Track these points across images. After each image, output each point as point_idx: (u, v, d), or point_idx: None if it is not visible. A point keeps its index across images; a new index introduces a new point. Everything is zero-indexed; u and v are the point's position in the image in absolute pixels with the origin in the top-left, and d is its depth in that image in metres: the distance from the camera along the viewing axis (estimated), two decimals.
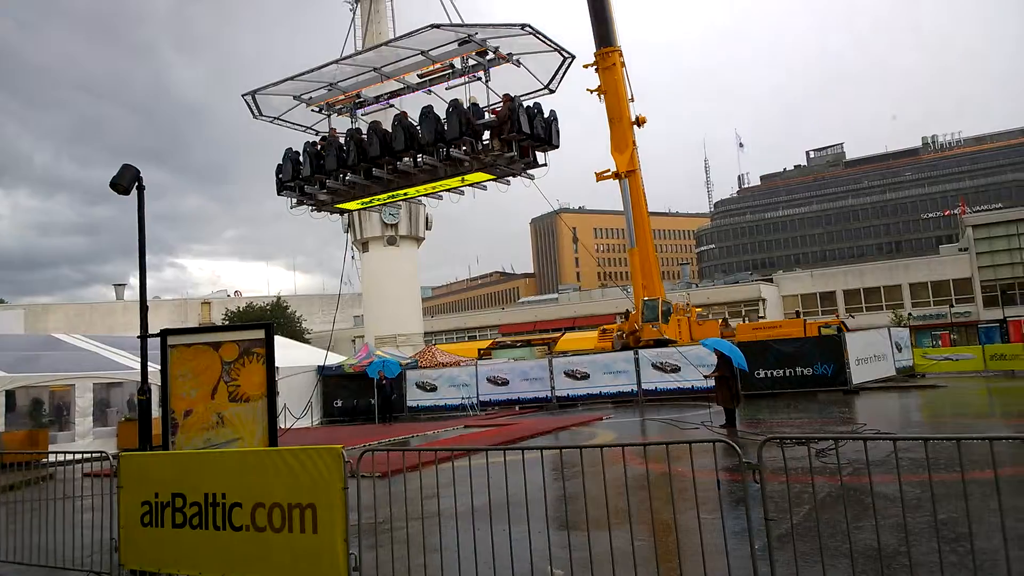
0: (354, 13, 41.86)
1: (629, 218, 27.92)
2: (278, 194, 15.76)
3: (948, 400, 19.15)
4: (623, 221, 29.05)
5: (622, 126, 27.28)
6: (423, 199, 16.30)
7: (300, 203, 15.78)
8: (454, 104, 13.16)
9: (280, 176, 15.54)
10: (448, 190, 15.14)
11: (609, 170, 28.03)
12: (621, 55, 27.22)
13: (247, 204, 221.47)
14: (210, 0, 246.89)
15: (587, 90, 27.47)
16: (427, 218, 49.57)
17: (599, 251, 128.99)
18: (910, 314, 50.98)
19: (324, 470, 5.55)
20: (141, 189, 10.20)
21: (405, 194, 15.41)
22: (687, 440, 5.34)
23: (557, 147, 13.82)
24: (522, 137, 13.01)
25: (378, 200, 15.94)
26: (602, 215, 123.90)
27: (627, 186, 27.52)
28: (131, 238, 10.41)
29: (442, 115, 13.31)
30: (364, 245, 48.31)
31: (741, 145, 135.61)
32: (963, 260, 53.45)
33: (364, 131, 14.62)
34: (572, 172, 26.53)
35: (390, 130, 14.04)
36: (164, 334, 9.13)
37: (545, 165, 14.04)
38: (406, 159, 13.96)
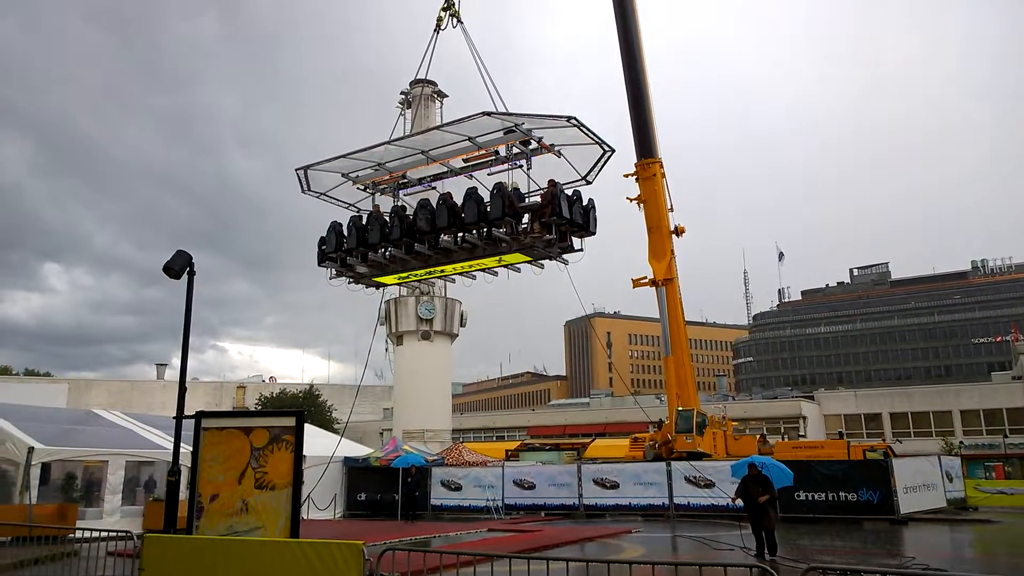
0: (403, 117, 44.33)
1: (665, 326, 27.81)
2: (319, 264, 16.19)
3: (1002, 537, 17.98)
4: (659, 328, 28.93)
5: (661, 235, 27.69)
6: (456, 277, 16.52)
7: (339, 274, 16.15)
8: (498, 186, 13.74)
9: (323, 248, 16.00)
10: (483, 270, 15.43)
11: (646, 277, 28.24)
12: (662, 166, 28.03)
13: (290, 292, 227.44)
14: (275, 103, 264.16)
15: (627, 199, 28.16)
16: (462, 315, 50.08)
17: (633, 357, 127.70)
18: (961, 443, 48.62)
19: (344, 566, 5.48)
20: (192, 274, 10.66)
21: (442, 271, 15.73)
22: (722, 563, 5.14)
23: (594, 234, 14.20)
24: (562, 221, 13.39)
25: (415, 276, 16.38)
26: (637, 321, 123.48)
27: (664, 294, 27.59)
28: (177, 319, 10.72)
29: (485, 197, 13.87)
30: (399, 339, 48.75)
31: (781, 257, 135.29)
32: (1017, 388, 51.35)
33: (407, 210, 15.26)
34: (608, 276, 26.80)
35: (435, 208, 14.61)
36: (199, 416, 9.30)
37: (581, 251, 14.32)
38: (447, 237, 14.46)
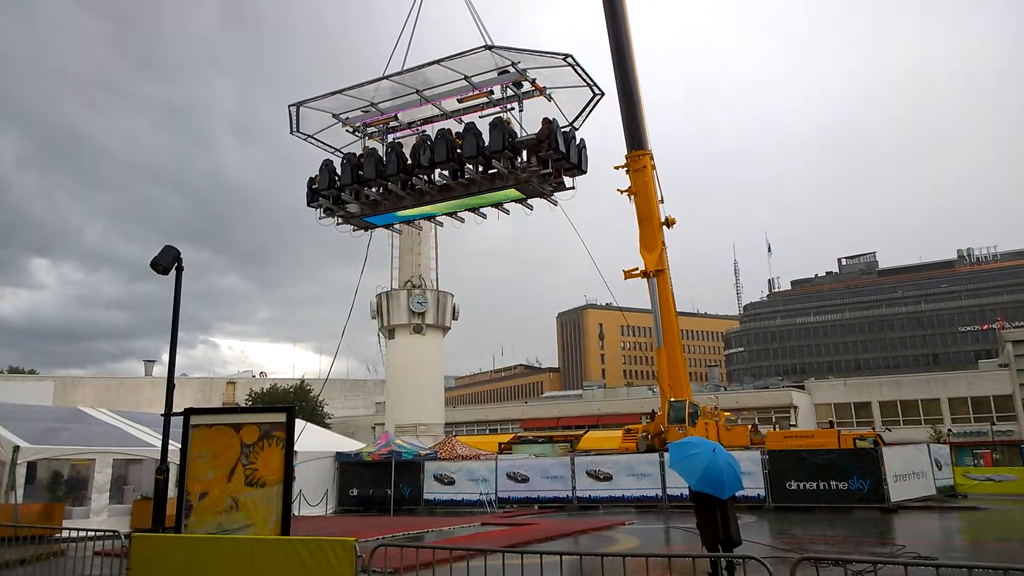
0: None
1: (657, 317, 27.81)
2: (308, 204, 16.16)
3: (991, 524, 18.13)
4: (650, 320, 28.96)
5: (652, 226, 27.66)
6: (444, 219, 16.72)
7: (330, 214, 16.12)
8: (497, 120, 14.01)
9: (314, 186, 15.95)
10: (472, 210, 15.65)
11: (637, 268, 28.21)
12: (652, 158, 27.97)
13: (283, 286, 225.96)
14: (270, 94, 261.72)
15: (617, 190, 28.10)
16: (454, 308, 49.94)
17: (625, 349, 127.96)
18: (950, 430, 49.07)
19: (336, 563, 5.40)
20: (180, 270, 10.51)
21: (432, 211, 15.91)
22: (715, 554, 5.10)
23: (585, 172, 14.60)
24: (558, 156, 13.69)
25: (405, 216, 16.42)
26: (629, 312, 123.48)
27: (655, 285, 27.58)
28: (167, 314, 10.67)
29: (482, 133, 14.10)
30: (390, 332, 48.57)
31: (769, 249, 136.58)
32: (1003, 376, 51.82)
33: (403, 147, 15.36)
34: (600, 267, 26.63)
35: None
36: (188, 413, 9.18)
37: (573, 188, 14.68)
38: (445, 171, 14.64)
